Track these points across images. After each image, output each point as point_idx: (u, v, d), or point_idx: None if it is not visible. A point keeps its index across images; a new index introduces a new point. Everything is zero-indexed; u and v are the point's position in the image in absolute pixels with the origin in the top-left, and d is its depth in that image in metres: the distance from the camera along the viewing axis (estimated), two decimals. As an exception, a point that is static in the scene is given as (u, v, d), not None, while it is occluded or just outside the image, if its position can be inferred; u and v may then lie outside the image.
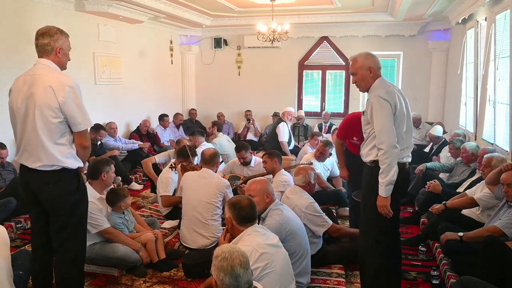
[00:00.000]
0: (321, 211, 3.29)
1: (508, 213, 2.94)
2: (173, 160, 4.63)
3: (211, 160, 3.78)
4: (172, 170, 4.41)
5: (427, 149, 6.35)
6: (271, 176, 4.29)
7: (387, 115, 2.50)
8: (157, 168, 5.12)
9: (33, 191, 2.46)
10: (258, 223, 2.84)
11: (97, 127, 5.97)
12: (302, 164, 4.60)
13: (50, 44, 2.39)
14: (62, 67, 2.49)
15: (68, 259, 2.51)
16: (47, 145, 2.34)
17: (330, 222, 3.28)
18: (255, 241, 2.26)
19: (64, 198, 2.43)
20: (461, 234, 3.09)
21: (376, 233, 2.66)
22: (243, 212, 2.38)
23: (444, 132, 6.78)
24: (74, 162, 2.45)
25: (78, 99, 2.36)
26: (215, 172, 3.89)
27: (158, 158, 5.15)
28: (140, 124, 7.23)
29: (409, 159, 2.66)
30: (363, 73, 2.63)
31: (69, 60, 2.53)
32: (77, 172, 2.50)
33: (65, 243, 2.49)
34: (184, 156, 4.37)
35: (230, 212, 2.42)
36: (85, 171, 3.77)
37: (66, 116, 2.35)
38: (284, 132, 6.62)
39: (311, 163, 4.58)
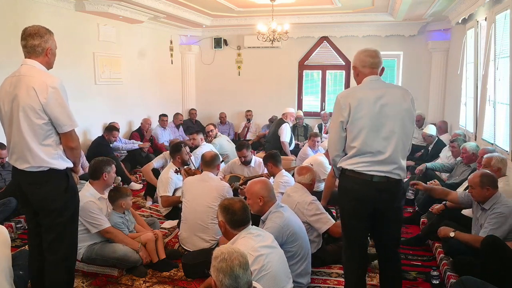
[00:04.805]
0: (324, 209, 3.29)
1: (482, 217, 3.00)
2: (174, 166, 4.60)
3: (211, 162, 3.76)
4: (177, 174, 4.41)
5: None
6: (271, 177, 4.29)
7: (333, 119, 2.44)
8: (158, 172, 5.07)
9: (24, 192, 2.44)
10: (258, 225, 2.85)
11: (110, 128, 5.98)
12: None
13: (41, 45, 2.35)
14: (50, 66, 2.45)
15: (57, 260, 2.48)
16: (33, 146, 2.31)
17: (333, 220, 3.27)
18: (249, 245, 2.24)
19: (52, 199, 2.40)
20: (452, 234, 3.08)
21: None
22: (236, 216, 2.38)
23: (445, 132, 6.78)
24: (61, 163, 2.41)
25: (61, 100, 2.30)
26: (217, 175, 3.89)
27: (156, 162, 5.15)
28: (142, 123, 7.23)
29: (363, 168, 2.34)
30: (353, 72, 2.49)
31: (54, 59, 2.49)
32: (66, 172, 2.46)
33: (53, 244, 2.46)
34: (177, 150, 4.48)
35: (223, 216, 2.41)
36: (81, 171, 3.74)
37: (50, 118, 2.31)
38: (286, 132, 6.64)
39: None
